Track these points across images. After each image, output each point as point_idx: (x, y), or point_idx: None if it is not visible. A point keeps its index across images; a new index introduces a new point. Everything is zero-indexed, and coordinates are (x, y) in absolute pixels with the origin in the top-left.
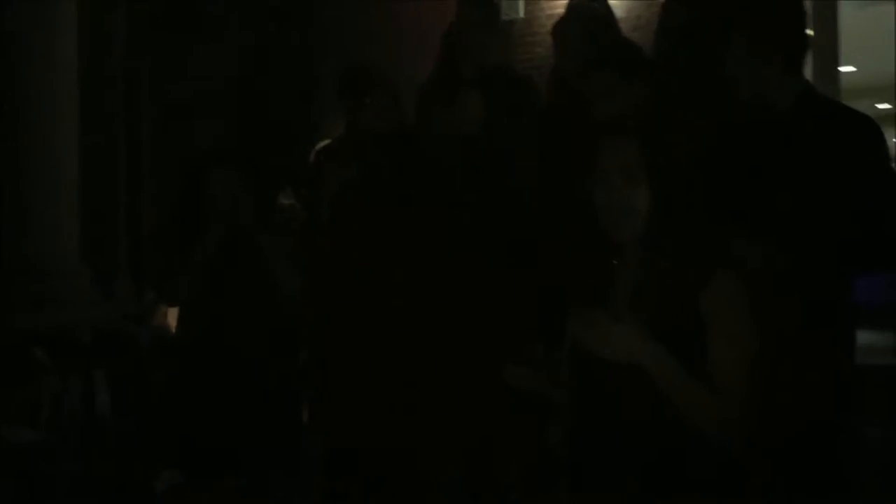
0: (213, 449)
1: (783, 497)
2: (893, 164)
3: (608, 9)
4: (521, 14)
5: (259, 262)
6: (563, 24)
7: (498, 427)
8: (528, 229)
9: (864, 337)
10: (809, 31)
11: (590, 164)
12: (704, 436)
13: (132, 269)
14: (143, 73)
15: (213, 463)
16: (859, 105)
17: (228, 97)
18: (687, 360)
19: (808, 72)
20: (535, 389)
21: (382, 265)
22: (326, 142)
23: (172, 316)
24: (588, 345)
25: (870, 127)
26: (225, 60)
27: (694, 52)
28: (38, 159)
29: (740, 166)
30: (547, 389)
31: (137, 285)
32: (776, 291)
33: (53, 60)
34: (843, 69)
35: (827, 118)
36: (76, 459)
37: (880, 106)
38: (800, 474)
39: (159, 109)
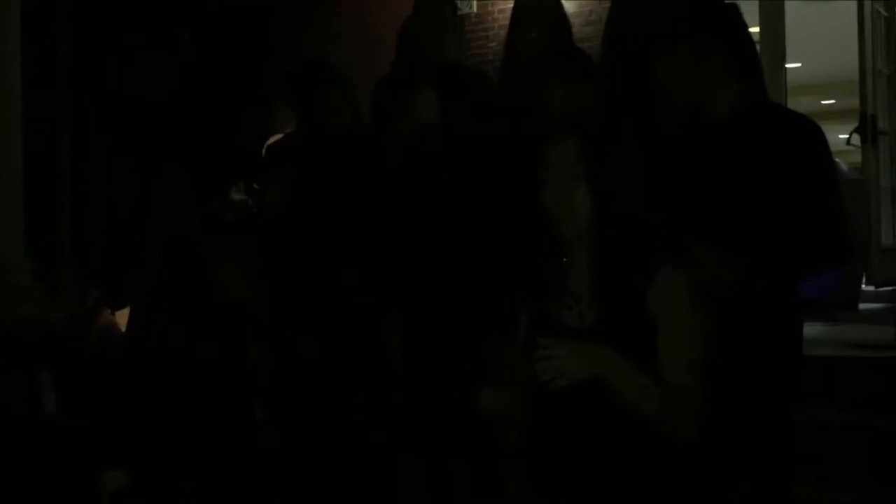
0: (162, 450)
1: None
2: (835, 166)
3: (559, 5)
4: (474, 9)
5: (208, 261)
6: (517, 20)
7: (455, 424)
8: (481, 226)
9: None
10: (755, 29)
11: (539, 161)
12: (662, 434)
13: (77, 266)
14: (88, 66)
15: (161, 464)
16: (804, 101)
17: (177, 92)
18: (638, 358)
19: None
20: (507, 411)
21: (333, 263)
22: (278, 136)
23: (120, 315)
24: (550, 375)
25: (811, 128)
26: (174, 54)
27: (637, 61)
28: None
29: (683, 169)
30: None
31: (83, 282)
32: (722, 289)
33: None
34: (788, 65)
35: (768, 120)
36: (21, 461)
37: (824, 102)
38: (755, 465)
39: (105, 103)
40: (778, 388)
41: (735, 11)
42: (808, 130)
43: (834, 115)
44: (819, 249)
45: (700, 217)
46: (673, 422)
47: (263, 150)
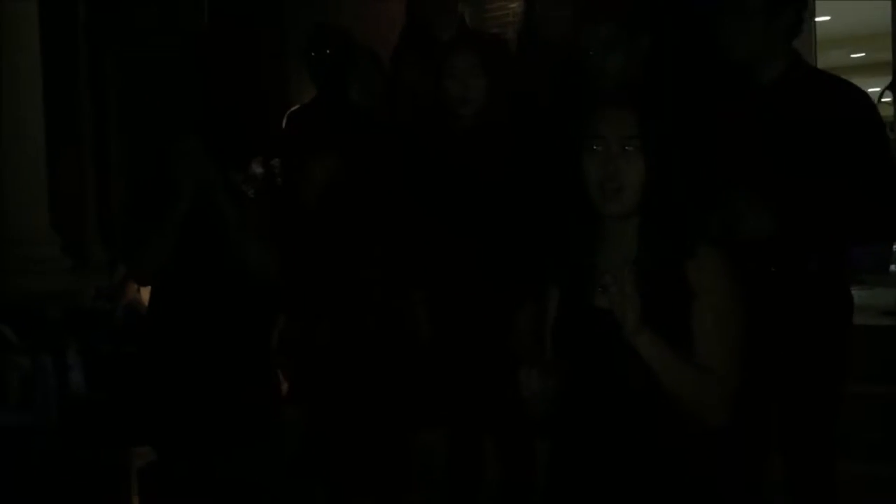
0: (189, 426)
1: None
2: (889, 135)
3: None
4: None
5: (229, 235)
6: None
7: (480, 399)
8: (512, 202)
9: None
10: None
11: (584, 134)
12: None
13: (103, 239)
14: (105, 38)
15: (188, 440)
16: (834, 55)
17: (194, 61)
18: (675, 337)
19: None
20: (543, 394)
21: (366, 238)
22: (297, 107)
23: (145, 290)
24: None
25: (862, 99)
26: (191, 21)
27: (678, 21)
28: (5, 124)
29: (730, 136)
30: (549, 392)
31: (109, 255)
32: (766, 263)
33: (17, 30)
34: (817, 19)
35: (819, 89)
36: (50, 438)
37: (854, 55)
38: (797, 442)
39: (124, 74)
40: (828, 364)
41: None
42: (859, 100)
43: (864, 68)
44: (876, 223)
45: (751, 188)
46: (705, 405)
47: (284, 121)
